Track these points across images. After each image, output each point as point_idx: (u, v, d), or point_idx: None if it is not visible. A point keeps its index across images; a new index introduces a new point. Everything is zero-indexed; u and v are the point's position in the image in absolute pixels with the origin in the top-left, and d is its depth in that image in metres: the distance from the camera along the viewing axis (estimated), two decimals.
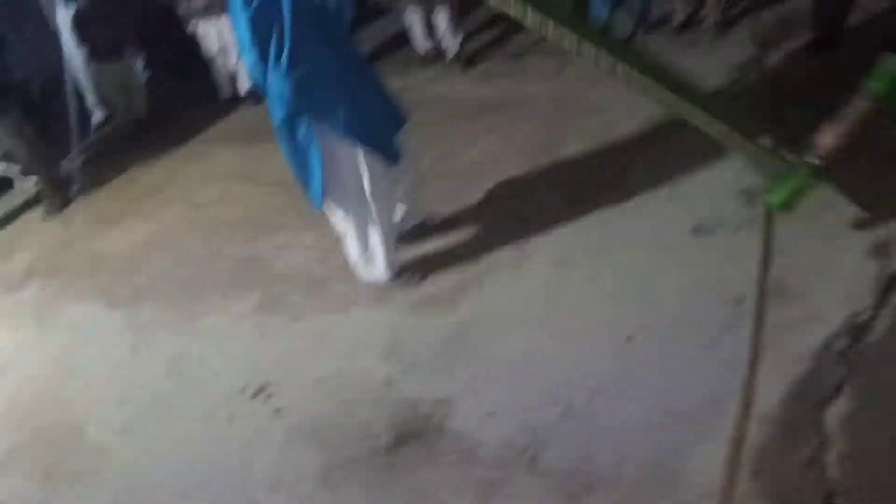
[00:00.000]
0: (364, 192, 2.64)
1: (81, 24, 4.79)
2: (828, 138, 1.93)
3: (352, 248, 2.85)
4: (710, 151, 3.17)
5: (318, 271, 3.14)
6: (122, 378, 2.76)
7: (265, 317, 2.93)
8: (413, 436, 2.18)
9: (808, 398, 1.97)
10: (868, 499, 1.70)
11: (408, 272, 2.89)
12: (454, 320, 2.64)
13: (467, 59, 4.84)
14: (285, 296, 3.02)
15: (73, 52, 5.02)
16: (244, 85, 5.23)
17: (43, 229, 4.24)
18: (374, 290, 2.91)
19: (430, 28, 4.88)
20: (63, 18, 4.92)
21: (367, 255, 2.82)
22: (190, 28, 5.13)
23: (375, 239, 2.75)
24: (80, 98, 5.14)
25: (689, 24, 4.73)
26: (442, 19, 4.75)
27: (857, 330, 2.14)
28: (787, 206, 2.06)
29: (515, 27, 5.67)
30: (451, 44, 4.82)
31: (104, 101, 5.37)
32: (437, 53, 4.92)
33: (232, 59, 5.23)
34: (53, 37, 5.18)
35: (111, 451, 2.42)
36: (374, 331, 2.68)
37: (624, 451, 1.96)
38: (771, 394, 2.00)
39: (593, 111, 3.88)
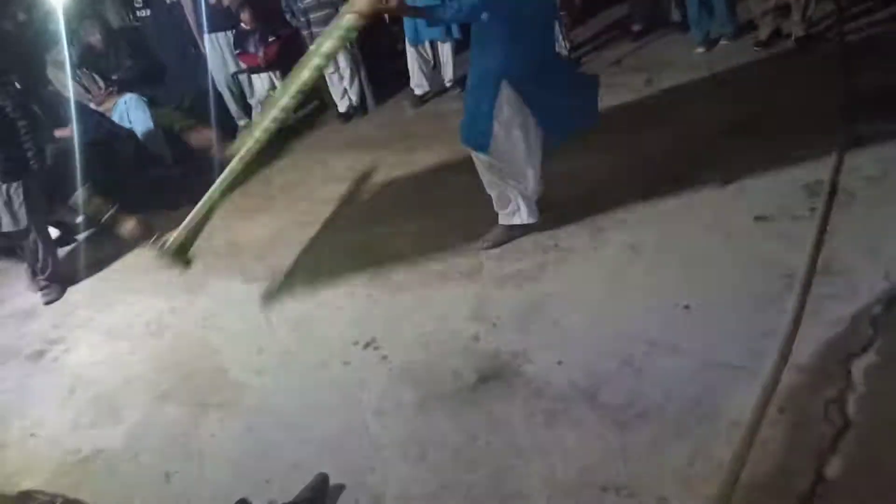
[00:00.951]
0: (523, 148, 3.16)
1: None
2: None
3: (499, 197, 3.36)
4: (775, 153, 3.47)
5: (418, 253, 3.63)
6: (256, 335, 3.32)
7: (373, 289, 3.43)
8: (493, 377, 2.60)
9: (838, 353, 2.24)
10: (878, 434, 1.96)
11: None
12: (533, 293, 3.04)
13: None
14: (390, 273, 3.52)
15: (217, 75, 5.88)
16: (353, 102, 5.95)
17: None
18: (465, 267, 3.37)
19: None
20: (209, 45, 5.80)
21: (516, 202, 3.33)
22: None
23: (526, 187, 3.27)
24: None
25: (774, 39, 4.99)
26: None
27: (890, 301, 2.39)
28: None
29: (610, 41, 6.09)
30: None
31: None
32: None
33: (346, 79, 5.96)
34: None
35: (248, 387, 2.96)
36: (464, 299, 3.12)
37: (670, 392, 2.30)
38: (806, 348, 2.30)
39: (670, 119, 4.21)
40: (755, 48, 5.08)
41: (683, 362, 2.41)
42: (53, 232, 5.07)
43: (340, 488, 2.29)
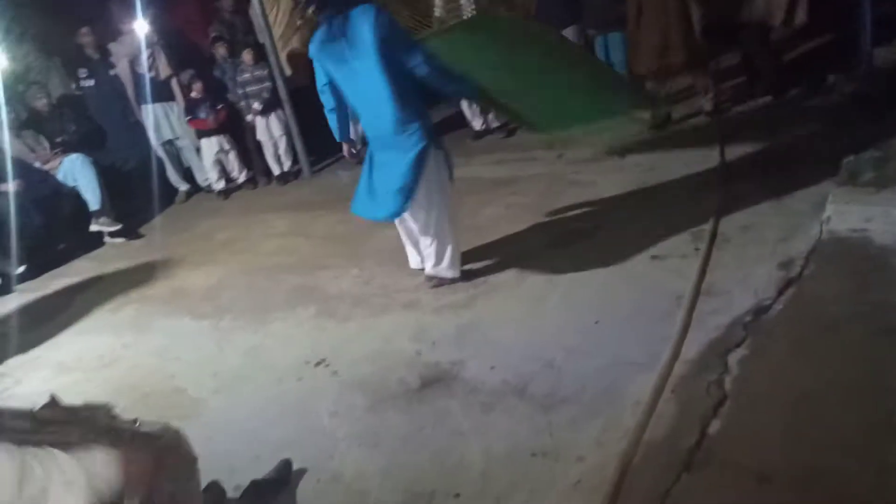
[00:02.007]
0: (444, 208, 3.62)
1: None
2: None
3: (428, 253, 3.76)
4: (667, 207, 4.11)
5: (362, 291, 4.02)
6: (210, 362, 3.58)
7: (321, 320, 3.78)
8: (435, 381, 2.97)
9: (717, 349, 2.75)
10: (749, 404, 2.45)
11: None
12: (466, 317, 3.47)
13: (508, 131, 6.53)
14: (337, 307, 3.88)
15: (152, 141, 6.26)
16: (285, 168, 6.49)
17: (134, 271, 5.18)
18: (404, 300, 3.77)
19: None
20: (146, 114, 6.19)
21: (443, 258, 3.74)
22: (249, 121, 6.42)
23: (450, 245, 3.70)
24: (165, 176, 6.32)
25: (665, 122, 5.83)
26: None
27: (758, 311, 2.95)
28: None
29: None
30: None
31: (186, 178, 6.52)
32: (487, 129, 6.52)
33: (281, 147, 6.49)
34: (141, 127, 6.41)
35: (206, 403, 3.21)
36: (405, 325, 3.51)
37: (585, 384, 2.74)
38: (692, 347, 2.80)
39: (579, 185, 4.85)
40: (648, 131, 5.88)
41: (595, 362, 2.86)
42: None
43: (303, 472, 2.58)
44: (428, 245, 3.72)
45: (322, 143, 6.98)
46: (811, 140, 4.69)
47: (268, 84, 6.57)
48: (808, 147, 4.56)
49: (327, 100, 3.66)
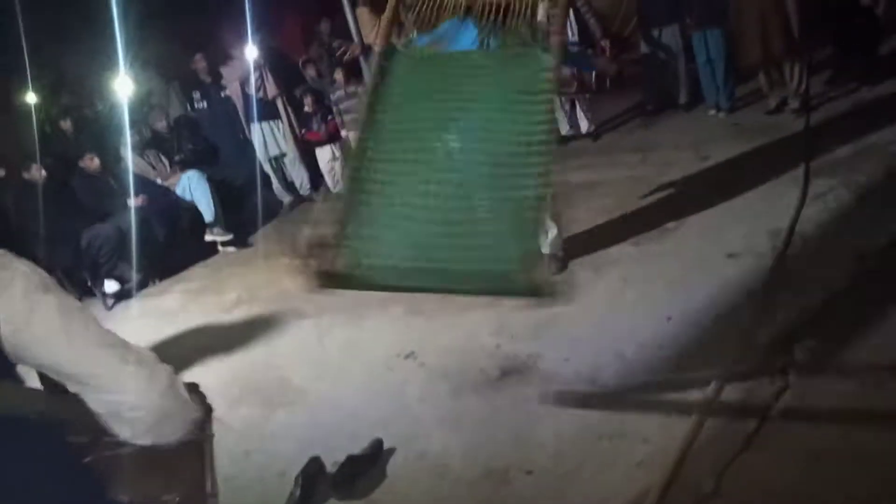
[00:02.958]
0: None
1: None
2: None
3: None
4: (746, 205, 4.18)
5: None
6: (312, 354, 3.95)
7: (410, 318, 4.08)
8: (513, 372, 3.21)
9: (786, 340, 2.86)
10: (811, 391, 2.56)
11: None
12: (545, 314, 3.67)
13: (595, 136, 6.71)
14: (424, 305, 4.17)
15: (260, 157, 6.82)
16: None
17: (244, 276, 5.68)
18: (486, 299, 4.01)
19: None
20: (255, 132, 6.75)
21: None
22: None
23: None
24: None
25: (779, 108, 5.89)
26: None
27: (826, 304, 3.02)
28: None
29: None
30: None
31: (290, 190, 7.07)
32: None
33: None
34: (250, 144, 6.99)
35: (309, 390, 3.57)
36: (487, 321, 3.76)
37: (654, 373, 2.91)
38: (762, 337, 2.92)
39: (661, 187, 4.96)
40: (764, 115, 5.93)
41: (665, 354, 3.03)
42: (111, 286, 5.80)
43: (392, 450, 2.87)
44: None
45: None
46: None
47: (356, 99, 7.01)
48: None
49: None
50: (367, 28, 7.00)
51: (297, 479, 2.70)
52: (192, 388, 1.75)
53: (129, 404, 1.16)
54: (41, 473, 1.15)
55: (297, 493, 2.65)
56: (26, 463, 1.13)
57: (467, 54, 2.78)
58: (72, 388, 1.15)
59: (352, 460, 2.76)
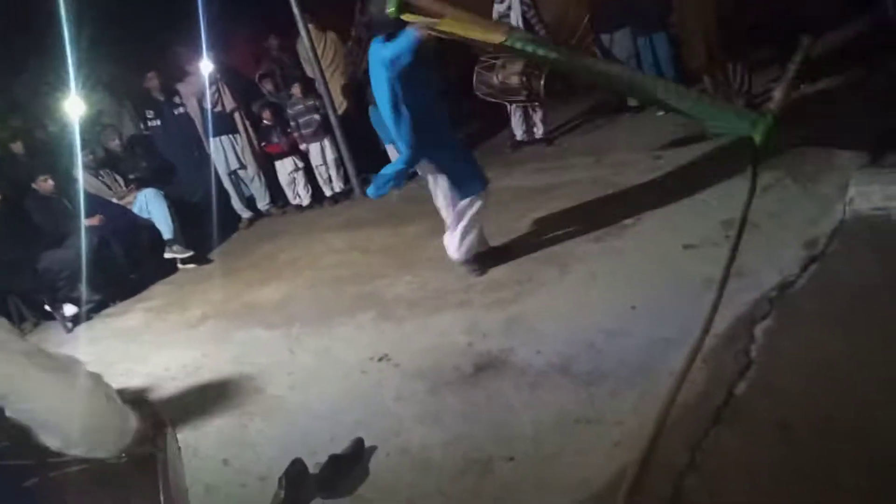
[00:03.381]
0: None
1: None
2: (779, 95, 3.25)
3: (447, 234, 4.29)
4: (699, 199, 4.35)
5: (416, 295, 4.36)
6: (284, 364, 3.95)
7: (381, 322, 4.12)
8: (487, 367, 3.28)
9: (745, 322, 2.99)
10: (773, 368, 2.69)
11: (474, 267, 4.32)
12: (514, 311, 3.77)
13: (548, 141, 6.88)
14: (394, 310, 4.23)
15: (220, 170, 6.78)
16: (337, 189, 6.96)
17: (207, 292, 5.64)
18: (456, 300, 4.09)
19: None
20: (214, 147, 6.72)
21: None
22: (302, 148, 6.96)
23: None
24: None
25: None
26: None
27: (783, 287, 3.18)
28: (766, 146, 3.75)
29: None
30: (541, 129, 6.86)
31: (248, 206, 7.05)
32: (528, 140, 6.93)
33: (332, 168, 6.97)
34: (208, 159, 6.95)
35: (285, 398, 3.57)
36: (458, 321, 3.83)
37: (624, 360, 3.01)
38: (722, 322, 3.04)
39: (617, 186, 5.12)
40: None
41: (633, 341, 3.13)
42: (70, 308, 5.70)
43: (373, 448, 2.91)
44: None
45: (370, 164, 7.46)
46: (845, 123, 4.84)
47: (317, 114, 7.06)
48: (841, 130, 4.71)
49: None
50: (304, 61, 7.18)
51: (280, 480, 2.71)
52: (139, 400, 1.75)
53: (48, 410, 1.11)
54: None
55: (282, 494, 2.66)
56: None
57: None
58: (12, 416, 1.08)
59: (334, 459, 2.79)
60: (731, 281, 3.37)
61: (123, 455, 1.60)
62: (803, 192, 4.09)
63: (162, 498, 1.63)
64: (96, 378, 1.18)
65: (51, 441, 1.21)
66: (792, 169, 4.40)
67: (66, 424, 1.16)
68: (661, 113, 6.73)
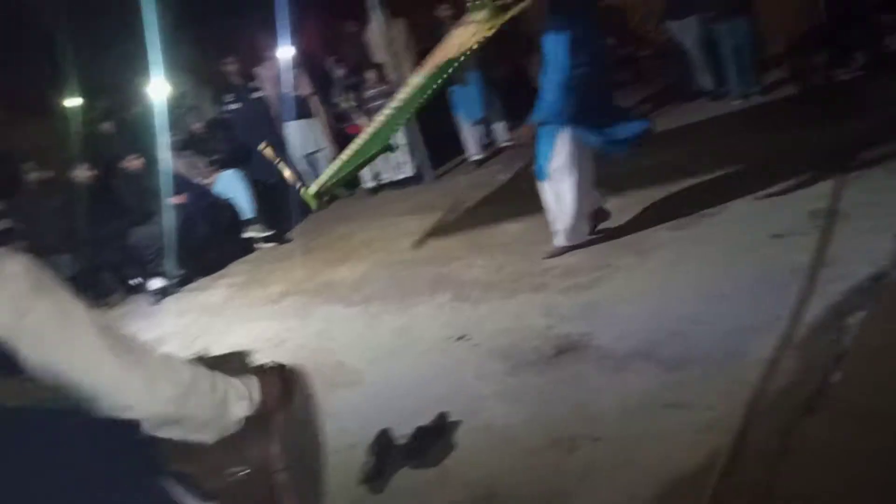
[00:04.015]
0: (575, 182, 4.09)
1: None
2: None
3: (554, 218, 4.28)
4: (787, 189, 4.25)
5: (490, 278, 4.40)
6: (364, 340, 4.06)
7: (457, 304, 4.18)
8: (568, 350, 3.30)
9: (836, 313, 2.93)
10: (868, 357, 2.63)
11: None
12: (593, 296, 3.77)
13: None
14: (469, 292, 4.28)
15: (294, 155, 6.94)
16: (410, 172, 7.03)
17: (286, 270, 5.81)
18: (532, 284, 4.12)
19: None
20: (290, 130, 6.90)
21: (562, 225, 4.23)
22: None
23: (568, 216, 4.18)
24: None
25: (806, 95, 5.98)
26: None
27: (877, 278, 3.09)
28: None
29: None
30: None
31: None
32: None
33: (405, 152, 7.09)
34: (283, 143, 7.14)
35: (365, 372, 3.67)
36: (535, 304, 3.86)
37: (711, 347, 2.98)
38: (812, 312, 2.99)
39: (696, 174, 5.04)
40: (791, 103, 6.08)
41: (719, 329, 3.10)
42: (156, 283, 5.95)
43: (457, 423, 2.97)
44: None
45: (441, 150, 7.54)
46: None
47: (386, 99, 7.16)
48: None
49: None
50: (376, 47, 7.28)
51: (369, 449, 2.80)
52: (260, 367, 1.80)
53: (133, 413, 1.08)
54: (96, 449, 1.11)
55: (371, 462, 2.75)
56: (80, 441, 1.09)
57: None
58: (73, 395, 1.07)
59: (420, 431, 2.86)
60: (821, 270, 3.30)
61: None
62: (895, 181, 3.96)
63: (276, 459, 1.69)
64: (192, 376, 1.15)
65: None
66: (883, 158, 4.26)
67: (150, 425, 1.15)
68: (737, 101, 6.61)
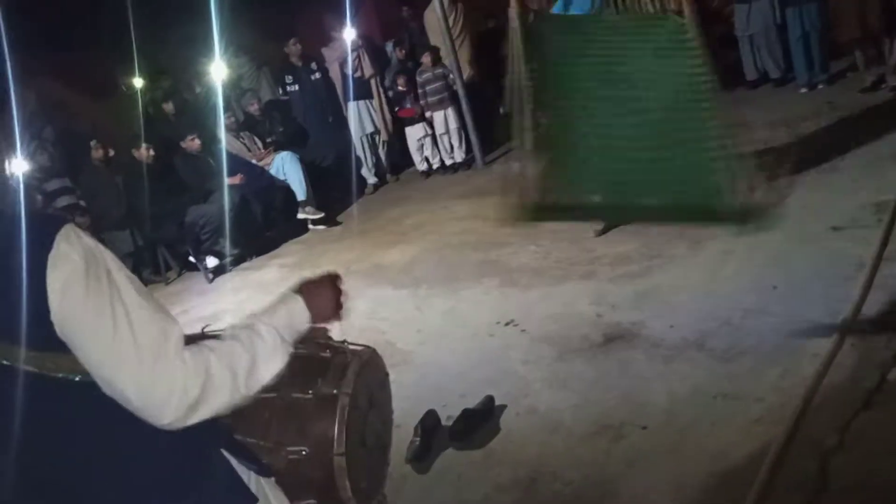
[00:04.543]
0: None
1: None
2: None
3: None
4: (849, 181, 4.12)
5: (540, 264, 4.39)
6: (413, 321, 4.10)
7: (506, 288, 4.19)
8: (617, 338, 3.28)
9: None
10: None
11: None
12: (644, 284, 3.74)
13: None
14: (519, 278, 4.28)
15: (355, 135, 7.02)
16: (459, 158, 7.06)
17: (337, 251, 5.90)
18: (581, 271, 4.10)
19: None
20: (352, 111, 6.96)
21: None
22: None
23: None
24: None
25: (876, 86, 5.77)
26: None
27: None
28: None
29: None
30: None
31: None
32: None
33: (455, 138, 7.09)
34: (345, 124, 7.23)
35: (413, 353, 3.72)
36: (584, 291, 3.84)
37: (763, 338, 2.93)
38: (873, 307, 2.91)
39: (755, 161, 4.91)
40: (859, 93, 5.86)
41: (773, 320, 3.04)
42: (212, 260, 6.10)
43: (503, 406, 2.99)
44: None
45: (492, 135, 7.52)
46: None
47: (445, 81, 7.17)
48: None
49: None
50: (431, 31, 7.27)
51: (416, 429, 2.84)
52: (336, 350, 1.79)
53: (151, 419, 1.09)
54: None
55: (417, 442, 2.79)
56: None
57: (605, 18, 3.00)
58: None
59: (467, 413, 2.89)
60: (883, 265, 3.20)
61: (311, 392, 1.71)
62: None
63: (336, 443, 1.73)
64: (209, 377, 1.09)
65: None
66: None
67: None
68: (804, 89, 6.43)
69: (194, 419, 1.11)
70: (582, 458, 2.58)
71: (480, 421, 2.89)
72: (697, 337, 3.09)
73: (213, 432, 1.23)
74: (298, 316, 1.32)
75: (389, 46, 8.01)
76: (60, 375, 1.08)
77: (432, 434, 2.85)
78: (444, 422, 2.96)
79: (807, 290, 3.20)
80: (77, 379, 1.08)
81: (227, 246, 6.13)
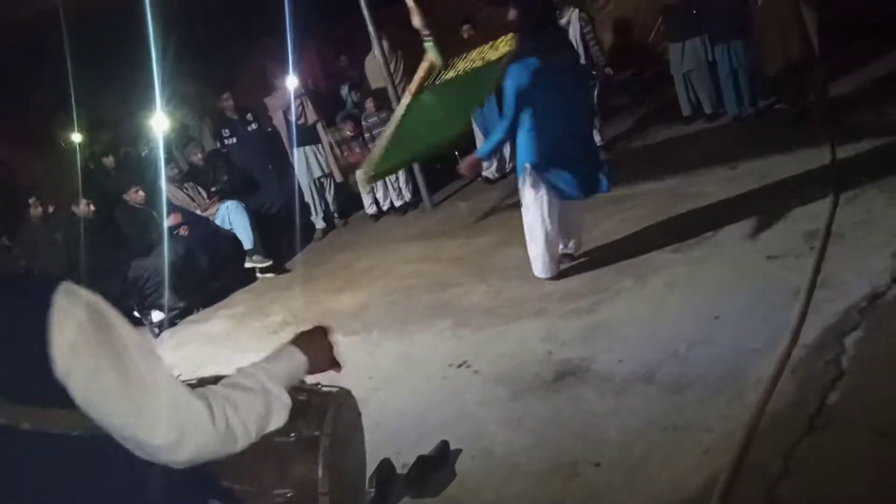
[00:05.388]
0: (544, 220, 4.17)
1: None
2: None
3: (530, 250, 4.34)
4: (780, 211, 4.29)
5: (491, 304, 4.42)
6: (366, 368, 4.06)
7: (458, 330, 4.20)
8: (568, 374, 3.32)
9: (834, 332, 2.96)
10: (866, 377, 2.65)
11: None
12: (593, 320, 3.80)
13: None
14: (470, 318, 4.30)
15: (302, 180, 7.02)
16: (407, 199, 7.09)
17: (286, 299, 5.83)
18: (532, 309, 4.14)
19: None
20: (298, 157, 6.97)
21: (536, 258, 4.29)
22: None
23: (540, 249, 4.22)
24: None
25: (802, 117, 6.04)
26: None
27: (874, 297, 3.12)
28: None
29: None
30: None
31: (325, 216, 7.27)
32: None
33: (401, 178, 7.14)
34: (291, 169, 7.22)
35: (369, 400, 3.65)
36: (535, 329, 3.88)
37: (709, 369, 3.00)
38: (810, 333, 3.01)
39: (693, 197, 5.09)
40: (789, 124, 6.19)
41: (717, 350, 3.12)
42: (157, 315, 5.97)
43: (458, 450, 2.97)
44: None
45: (439, 176, 7.59)
46: None
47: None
48: None
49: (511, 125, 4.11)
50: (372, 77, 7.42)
51: (370, 479, 2.80)
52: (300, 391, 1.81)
53: (165, 461, 1.13)
54: (147, 467, 1.14)
55: (372, 493, 2.75)
56: (131, 462, 1.13)
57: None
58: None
59: (422, 460, 2.87)
60: (817, 291, 3.33)
61: (293, 435, 1.73)
62: (889, 201, 4.00)
63: (321, 482, 1.75)
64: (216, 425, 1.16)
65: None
66: (876, 179, 4.31)
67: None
68: (736, 123, 6.71)
69: (205, 458, 1.15)
70: (538, 499, 2.58)
71: (436, 467, 2.87)
72: (646, 370, 3.14)
73: (204, 481, 1.27)
74: (299, 368, 1.42)
75: (345, 90, 8.06)
76: (57, 431, 1.09)
77: (387, 484, 2.82)
78: (399, 470, 2.93)
79: (747, 318, 3.30)
80: (75, 434, 1.10)
81: (171, 299, 6.00)
